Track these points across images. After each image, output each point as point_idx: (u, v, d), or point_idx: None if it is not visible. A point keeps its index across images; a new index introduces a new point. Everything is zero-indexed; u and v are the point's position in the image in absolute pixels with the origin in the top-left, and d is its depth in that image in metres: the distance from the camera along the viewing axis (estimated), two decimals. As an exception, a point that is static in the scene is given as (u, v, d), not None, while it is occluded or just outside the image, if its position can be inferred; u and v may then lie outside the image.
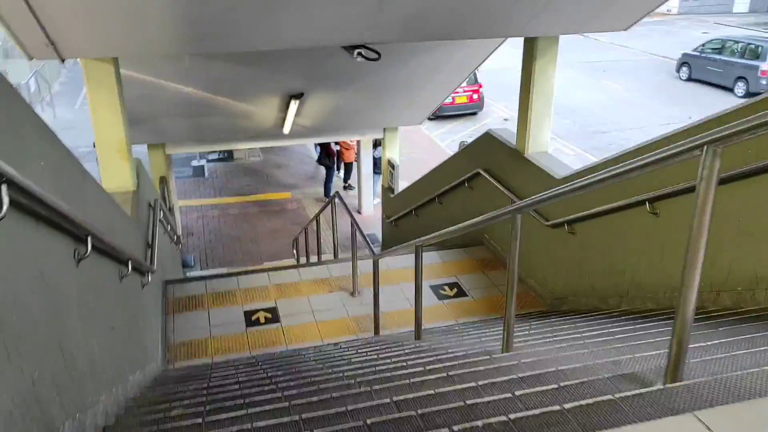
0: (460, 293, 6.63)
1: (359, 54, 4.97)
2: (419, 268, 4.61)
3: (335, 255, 7.65)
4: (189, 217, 14.15)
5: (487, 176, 7.19)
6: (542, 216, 6.11)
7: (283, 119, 9.59)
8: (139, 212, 5.55)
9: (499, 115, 21.42)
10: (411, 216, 10.18)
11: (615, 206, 4.99)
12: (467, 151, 8.00)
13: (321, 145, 14.43)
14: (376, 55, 5.01)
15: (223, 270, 11.64)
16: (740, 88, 22.28)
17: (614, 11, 5.21)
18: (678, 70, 24.97)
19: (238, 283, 6.90)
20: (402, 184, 11.50)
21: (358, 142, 13.74)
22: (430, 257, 7.48)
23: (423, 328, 5.95)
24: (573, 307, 5.86)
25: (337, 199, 7.35)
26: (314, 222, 8.91)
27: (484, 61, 8.65)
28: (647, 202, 4.64)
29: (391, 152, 11.55)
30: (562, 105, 22.00)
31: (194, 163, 16.57)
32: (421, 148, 18.67)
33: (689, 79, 24.34)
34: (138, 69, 6.77)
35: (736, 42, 23.07)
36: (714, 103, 21.92)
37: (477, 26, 5.10)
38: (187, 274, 11.43)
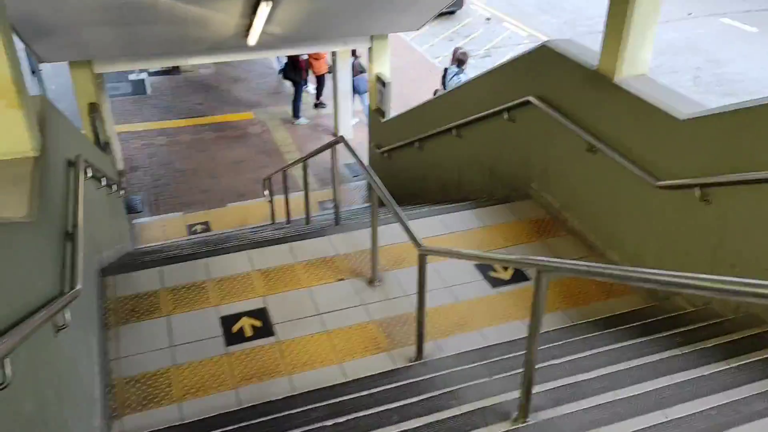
0: (519, 275, 4.81)
1: None
2: (540, 303, 2.70)
3: (336, 220, 5.68)
4: (131, 146, 11.80)
5: (543, 107, 5.22)
6: (648, 172, 4.25)
7: (248, 27, 7.28)
8: (47, 190, 3.46)
9: (480, 14, 19.03)
10: (412, 148, 8.20)
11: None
12: (507, 71, 5.96)
13: (288, 55, 12.01)
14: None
15: (177, 215, 9.58)
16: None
17: None
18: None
19: (208, 269, 4.91)
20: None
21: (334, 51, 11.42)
22: (461, 218, 5.61)
23: (478, 333, 4.19)
24: (696, 308, 4.13)
25: (342, 144, 5.31)
26: (300, 167, 6.83)
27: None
28: None
29: (381, 66, 9.37)
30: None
31: (132, 77, 13.92)
32: (396, 54, 16.31)
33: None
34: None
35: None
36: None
37: None
38: (135, 222, 9.36)
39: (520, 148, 5.87)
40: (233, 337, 4.26)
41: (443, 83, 10.86)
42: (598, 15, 18.38)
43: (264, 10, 6.36)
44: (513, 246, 5.16)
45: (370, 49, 9.30)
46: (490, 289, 4.69)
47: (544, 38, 16.88)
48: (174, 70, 14.91)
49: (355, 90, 11.97)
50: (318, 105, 13.25)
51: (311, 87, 13.29)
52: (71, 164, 4.43)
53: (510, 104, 5.71)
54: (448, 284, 4.73)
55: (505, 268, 4.87)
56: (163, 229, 9.20)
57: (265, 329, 4.33)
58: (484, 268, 4.87)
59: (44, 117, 3.99)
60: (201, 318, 4.42)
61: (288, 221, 7.90)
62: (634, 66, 4.50)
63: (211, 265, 4.96)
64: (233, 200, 10.06)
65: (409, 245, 5.11)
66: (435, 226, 5.46)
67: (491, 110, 6.04)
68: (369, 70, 9.62)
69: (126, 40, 7.36)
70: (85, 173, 4.77)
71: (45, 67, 13.04)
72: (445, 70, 10.83)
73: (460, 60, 10.52)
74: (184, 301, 4.57)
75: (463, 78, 10.54)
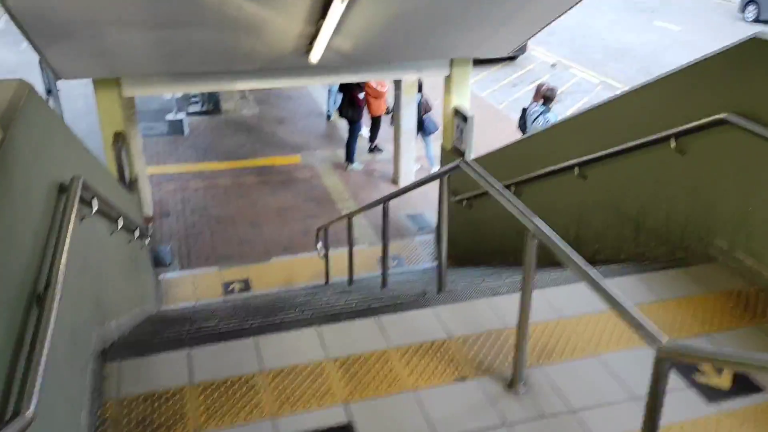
0: (743, 384, 3.06)
1: None
2: None
3: (440, 285, 4.02)
4: (163, 189, 10.41)
5: (754, 128, 3.58)
6: None
7: (312, 37, 5.86)
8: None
9: (543, 60, 17.67)
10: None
11: None
12: (673, 84, 4.36)
13: (345, 90, 10.60)
14: None
15: (212, 270, 8.03)
16: (825, 30, 18.68)
17: None
18: (743, 10, 21.27)
19: (260, 353, 3.28)
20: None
21: (397, 85, 10.01)
22: (620, 287, 3.87)
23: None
24: None
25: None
26: (380, 212, 5.25)
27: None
28: None
29: (460, 97, 7.88)
30: (609, 47, 18.35)
31: (170, 117, 12.71)
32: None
33: (757, 20, 20.65)
34: None
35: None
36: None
37: None
38: (161, 278, 7.82)
39: (695, 189, 4.20)
40: (302, 479, 2.58)
41: (522, 125, 9.32)
42: (675, 63, 16.95)
43: (338, 8, 4.91)
44: (717, 333, 3.42)
45: (447, 77, 7.82)
46: (704, 406, 2.93)
47: (619, 86, 15.32)
48: (214, 110, 13.73)
49: (424, 131, 10.43)
50: (373, 149, 11.79)
51: (365, 130, 11.86)
52: (63, 190, 2.89)
53: (683, 128, 4.09)
54: (634, 393, 3.00)
55: (719, 369, 3.12)
56: (194, 286, 7.66)
57: (353, 465, 2.64)
58: (686, 368, 3.14)
59: (18, 109, 2.48)
60: (249, 439, 2.76)
61: (350, 281, 6.27)
62: None
63: (264, 348, 3.32)
64: (277, 253, 8.50)
65: (564, 323, 3.49)
66: (583, 297, 3.77)
67: (644, 139, 4.43)
68: (445, 102, 8.12)
69: (161, 52, 5.98)
70: (90, 206, 3.25)
71: (78, 104, 11.96)
72: (524, 110, 9.31)
73: (546, 97, 8.99)
74: (224, 408, 2.91)
75: (552, 117, 8.99)
